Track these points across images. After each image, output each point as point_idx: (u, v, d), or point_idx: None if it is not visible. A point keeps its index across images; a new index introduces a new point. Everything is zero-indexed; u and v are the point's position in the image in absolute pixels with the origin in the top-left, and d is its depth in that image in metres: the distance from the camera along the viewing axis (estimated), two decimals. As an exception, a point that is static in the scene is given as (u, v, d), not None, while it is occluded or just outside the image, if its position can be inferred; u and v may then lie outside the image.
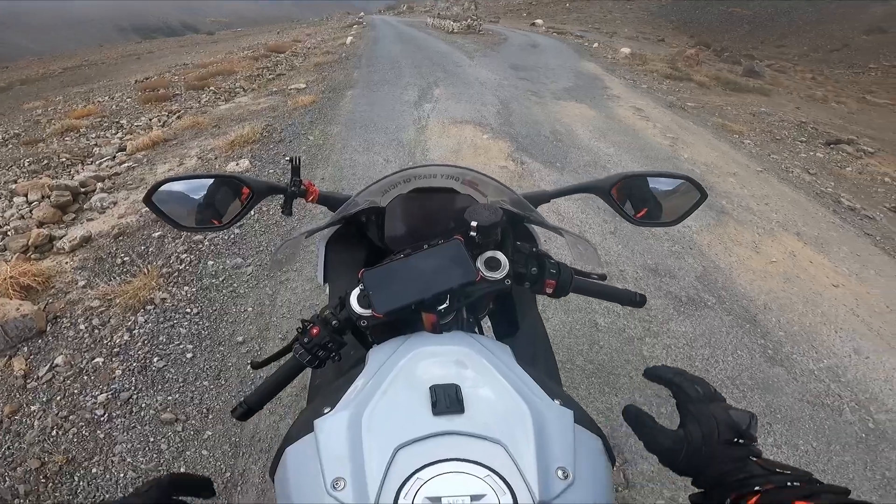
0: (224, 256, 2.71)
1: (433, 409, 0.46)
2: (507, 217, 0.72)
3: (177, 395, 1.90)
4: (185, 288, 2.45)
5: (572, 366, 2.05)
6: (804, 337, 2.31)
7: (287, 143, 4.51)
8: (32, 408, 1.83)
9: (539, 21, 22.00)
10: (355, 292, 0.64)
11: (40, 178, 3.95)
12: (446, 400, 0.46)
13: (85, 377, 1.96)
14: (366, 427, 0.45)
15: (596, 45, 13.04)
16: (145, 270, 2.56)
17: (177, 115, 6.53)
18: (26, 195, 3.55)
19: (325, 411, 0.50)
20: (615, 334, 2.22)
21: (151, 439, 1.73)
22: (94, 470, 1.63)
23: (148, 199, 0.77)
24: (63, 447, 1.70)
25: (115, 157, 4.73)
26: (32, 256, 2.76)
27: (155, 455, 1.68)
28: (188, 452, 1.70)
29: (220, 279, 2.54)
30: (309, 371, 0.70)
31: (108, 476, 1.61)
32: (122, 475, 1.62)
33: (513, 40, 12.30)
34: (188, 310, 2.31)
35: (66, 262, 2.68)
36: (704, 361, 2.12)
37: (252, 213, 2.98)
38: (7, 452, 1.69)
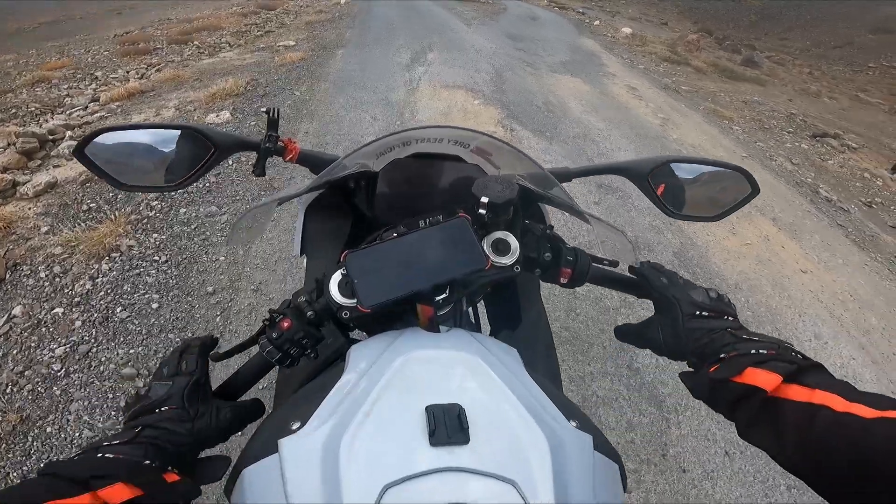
0: (198, 204, 2.63)
1: (430, 436, 0.37)
2: (521, 194, 0.61)
3: (139, 349, 1.84)
4: (155, 235, 2.38)
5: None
6: (769, 318, 2.37)
7: (272, 97, 4.35)
8: None
9: (542, -6, 21.33)
10: (336, 277, 0.53)
11: (6, 126, 3.74)
12: (447, 426, 0.38)
13: (43, 329, 1.89)
14: (345, 456, 0.36)
15: (597, 22, 12.74)
16: (112, 217, 2.48)
17: (156, 68, 6.23)
18: None
19: (294, 427, 0.41)
20: (592, 303, 2.24)
21: (110, 396, 1.67)
22: (48, 429, 1.57)
23: (79, 152, 0.63)
24: (17, 405, 1.63)
25: (87, 107, 4.52)
26: None
27: (113, 413, 1.63)
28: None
29: (193, 227, 2.46)
30: None
31: (62, 436, 1.56)
32: (77, 434, 1.56)
33: (512, 11, 11.93)
34: (156, 258, 2.24)
35: (30, 208, 2.57)
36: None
37: (231, 161, 2.89)
38: (-42, 411, 1.60)
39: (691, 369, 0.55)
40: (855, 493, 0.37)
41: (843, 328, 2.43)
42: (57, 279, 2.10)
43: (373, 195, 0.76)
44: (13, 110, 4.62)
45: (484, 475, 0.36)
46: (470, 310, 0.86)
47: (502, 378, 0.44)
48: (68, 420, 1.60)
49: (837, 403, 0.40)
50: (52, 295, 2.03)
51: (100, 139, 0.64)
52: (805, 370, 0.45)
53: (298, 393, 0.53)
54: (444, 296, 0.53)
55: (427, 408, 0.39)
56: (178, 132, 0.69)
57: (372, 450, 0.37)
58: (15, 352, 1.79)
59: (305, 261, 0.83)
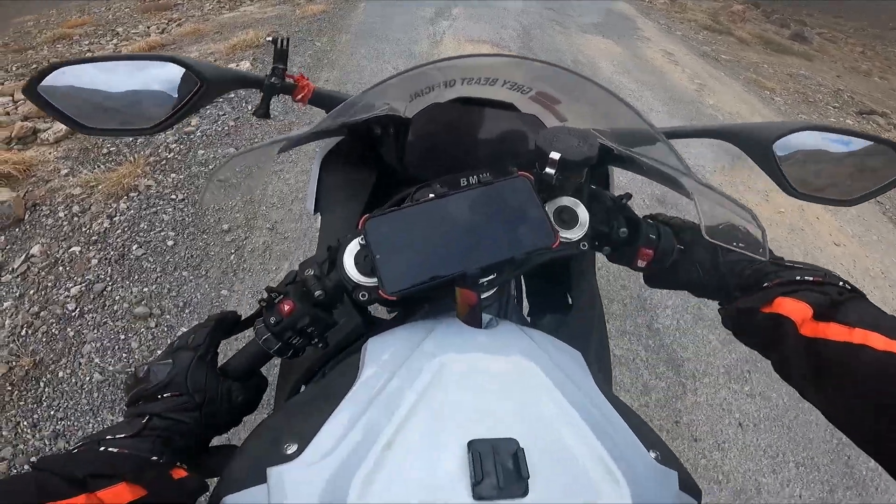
0: (216, 146, 2.60)
1: (475, 486, 0.27)
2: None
3: (153, 287, 1.85)
4: (173, 175, 2.37)
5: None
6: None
7: (293, 47, 4.27)
8: (5, 304, 1.75)
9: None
10: (353, 247, 0.43)
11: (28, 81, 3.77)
12: (498, 471, 0.27)
13: (60, 268, 1.89)
14: (356, 502, 0.27)
15: (634, -14, 12.04)
16: (132, 159, 2.47)
17: (177, 22, 6.20)
18: (12, 95, 3.38)
19: (289, 451, 0.32)
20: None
21: (122, 337, 1.67)
22: (60, 374, 1.57)
23: (31, 90, 0.51)
24: (31, 348, 1.63)
25: (108, 57, 4.52)
26: (15, 148, 2.65)
27: (124, 355, 1.62)
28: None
29: (210, 167, 2.44)
30: None
31: (73, 380, 1.55)
32: (88, 378, 1.56)
33: (544, -29, 11.37)
34: (173, 196, 2.24)
35: (50, 153, 2.56)
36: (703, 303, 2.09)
37: (238, 96, 2.82)
38: (-27, 357, 1.60)
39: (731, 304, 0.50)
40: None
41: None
42: (75, 218, 2.11)
43: (403, 145, 0.63)
44: (34, 65, 4.65)
45: None
46: (519, 305, 0.72)
47: (570, 399, 0.33)
48: (80, 363, 1.59)
49: (878, 342, 0.35)
50: (71, 234, 2.04)
51: (57, 74, 0.52)
52: (841, 303, 0.39)
53: (298, 396, 0.43)
54: (490, 277, 0.42)
55: (470, 443, 0.29)
56: (156, 63, 0.56)
57: (392, 499, 0.27)
58: (32, 292, 1.80)
59: (319, 221, 0.71)
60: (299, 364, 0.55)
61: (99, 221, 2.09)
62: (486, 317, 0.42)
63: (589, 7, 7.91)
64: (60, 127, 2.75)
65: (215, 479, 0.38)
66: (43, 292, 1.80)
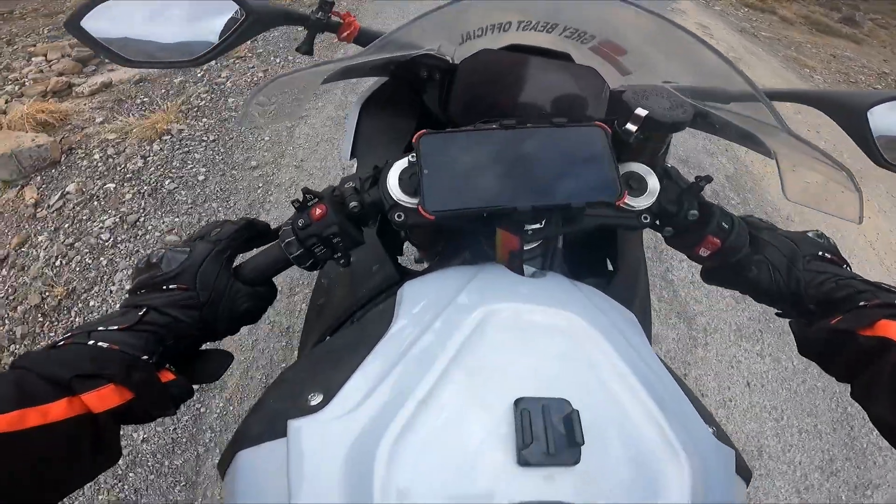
0: (246, 94, 2.69)
1: (520, 450, 0.24)
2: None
3: (184, 217, 1.94)
4: (204, 120, 2.48)
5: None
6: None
7: None
8: (40, 238, 1.82)
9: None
10: (400, 164, 0.41)
11: (60, 42, 3.89)
12: (549, 435, 0.24)
13: (95, 203, 1.98)
14: (383, 466, 0.24)
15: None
16: (165, 107, 2.58)
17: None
18: (45, 55, 3.49)
19: (312, 402, 0.29)
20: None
21: None
22: (91, 302, 1.61)
23: (74, 25, 0.51)
24: (65, 278, 1.68)
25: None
26: (51, 100, 2.75)
27: None
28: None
29: (240, 113, 2.54)
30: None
31: (104, 308, 1.59)
32: (118, 306, 1.63)
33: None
34: (205, 138, 2.35)
35: (85, 104, 2.67)
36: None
37: (266, 50, 2.84)
38: (10, 290, 1.65)
39: (802, 319, 0.46)
40: None
41: (892, 278, 2.26)
42: (110, 159, 2.22)
43: (449, 92, 0.59)
44: (64, 29, 4.77)
45: None
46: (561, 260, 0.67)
47: (627, 361, 0.30)
48: (111, 291, 1.65)
49: None
50: (105, 173, 2.15)
51: (100, 8, 0.53)
52: None
53: (326, 343, 0.39)
54: (538, 226, 0.39)
55: (517, 402, 0.26)
56: None
57: (425, 461, 0.24)
58: (67, 225, 1.88)
59: (356, 167, 0.70)
60: (328, 313, 0.52)
61: (133, 161, 2.20)
62: (529, 269, 0.39)
63: (623, -19, 7.67)
64: (96, 80, 2.86)
65: (202, 385, 0.39)
66: (77, 225, 1.90)
